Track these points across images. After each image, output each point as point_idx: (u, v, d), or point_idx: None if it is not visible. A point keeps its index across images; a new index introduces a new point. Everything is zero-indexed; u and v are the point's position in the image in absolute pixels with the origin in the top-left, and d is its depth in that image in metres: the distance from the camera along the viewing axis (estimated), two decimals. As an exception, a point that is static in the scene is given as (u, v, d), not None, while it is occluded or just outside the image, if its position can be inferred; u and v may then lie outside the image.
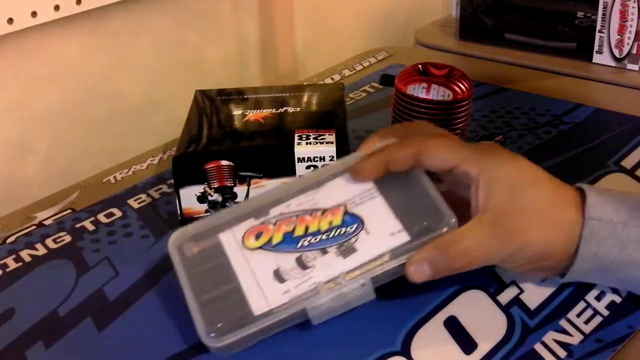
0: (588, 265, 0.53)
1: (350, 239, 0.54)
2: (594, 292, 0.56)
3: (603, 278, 0.55)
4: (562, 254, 0.53)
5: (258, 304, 0.51)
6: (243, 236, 0.55)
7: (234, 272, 0.53)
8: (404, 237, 0.53)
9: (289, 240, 0.54)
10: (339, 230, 0.54)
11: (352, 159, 0.57)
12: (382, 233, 0.54)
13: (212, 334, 0.50)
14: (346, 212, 0.55)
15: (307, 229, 0.54)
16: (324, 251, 0.53)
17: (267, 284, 0.52)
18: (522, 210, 0.52)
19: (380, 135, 0.57)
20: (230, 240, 0.55)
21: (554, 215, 0.52)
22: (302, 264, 0.53)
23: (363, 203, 0.55)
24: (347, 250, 0.53)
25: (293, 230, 0.54)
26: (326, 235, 0.54)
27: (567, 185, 0.54)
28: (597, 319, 0.54)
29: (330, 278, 0.52)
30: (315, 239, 0.54)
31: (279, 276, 0.53)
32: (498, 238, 0.52)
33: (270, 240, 0.54)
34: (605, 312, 0.55)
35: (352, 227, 0.54)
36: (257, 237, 0.55)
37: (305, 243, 0.54)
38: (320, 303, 0.51)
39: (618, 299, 0.56)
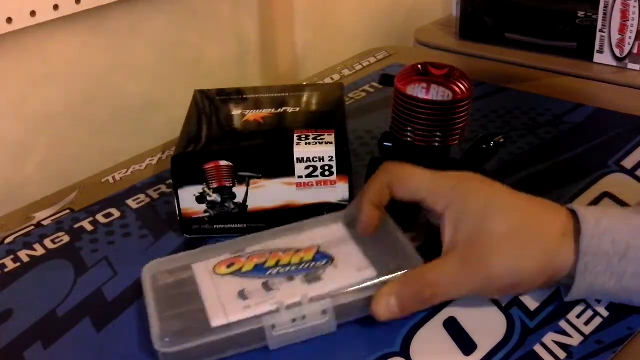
0: (585, 293, 0.53)
1: (318, 270, 0.56)
2: (594, 293, 0.56)
3: (602, 298, 0.55)
4: (541, 278, 0.52)
5: (217, 317, 0.52)
6: (215, 265, 0.57)
7: (200, 294, 0.55)
8: (371, 273, 0.55)
9: (259, 270, 0.56)
10: (308, 264, 0.56)
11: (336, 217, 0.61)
12: (350, 269, 0.56)
13: (166, 339, 0.50)
14: (318, 252, 0.57)
15: (278, 262, 0.57)
16: (290, 278, 0.55)
17: (229, 301, 0.53)
18: (489, 238, 0.51)
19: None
20: (202, 269, 0.57)
21: (524, 241, 0.51)
22: (267, 288, 0.54)
23: (336, 247, 0.58)
24: (312, 279, 0.55)
25: (264, 263, 0.57)
26: (295, 267, 0.56)
27: (557, 208, 0.53)
28: (597, 321, 0.54)
29: (292, 301, 0.53)
30: (285, 269, 0.56)
31: (242, 296, 0.54)
32: (466, 271, 0.52)
33: (240, 269, 0.56)
34: (605, 314, 0.54)
35: (321, 263, 0.57)
36: (229, 266, 0.57)
37: (274, 272, 0.56)
38: (279, 323, 0.52)
39: (618, 300, 0.56)
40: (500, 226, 0.51)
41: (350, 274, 0.55)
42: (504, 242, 0.51)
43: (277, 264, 0.56)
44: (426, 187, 0.54)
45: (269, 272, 0.56)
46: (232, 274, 0.56)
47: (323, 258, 0.57)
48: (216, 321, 0.52)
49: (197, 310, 0.53)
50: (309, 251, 0.58)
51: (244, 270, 0.56)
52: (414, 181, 0.55)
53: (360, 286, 0.54)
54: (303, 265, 0.56)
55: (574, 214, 0.52)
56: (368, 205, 0.55)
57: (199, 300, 0.54)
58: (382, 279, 0.54)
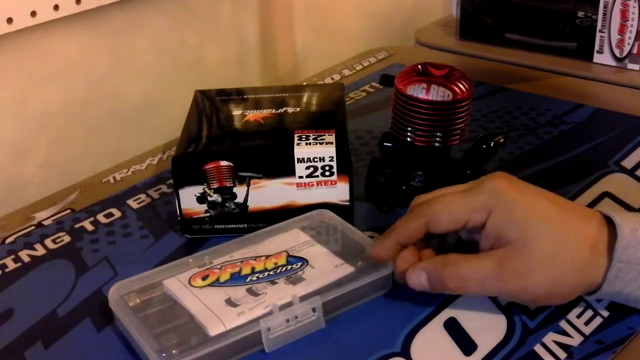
0: (608, 296, 0.53)
1: (297, 272, 0.57)
2: (595, 293, 0.56)
3: (625, 303, 0.55)
4: (575, 293, 0.53)
5: (214, 326, 0.52)
6: (189, 279, 0.57)
7: (184, 307, 0.54)
8: (348, 269, 0.57)
9: (237, 278, 0.56)
10: (285, 267, 0.57)
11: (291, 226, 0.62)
12: (327, 266, 0.57)
13: (164, 354, 0.49)
14: (289, 256, 0.58)
15: (253, 269, 0.57)
16: (272, 282, 0.56)
17: (221, 310, 0.53)
18: (529, 256, 0.51)
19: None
20: (175, 284, 0.56)
21: (563, 259, 0.51)
22: (253, 293, 0.55)
23: (304, 249, 0.60)
24: (295, 280, 0.56)
25: (240, 271, 0.57)
26: (273, 272, 0.57)
27: (590, 216, 0.53)
28: (597, 320, 0.54)
29: (283, 302, 0.53)
30: (263, 274, 0.56)
31: (231, 303, 0.54)
32: (499, 277, 0.52)
33: (218, 279, 0.56)
34: (606, 314, 0.55)
35: (297, 265, 0.57)
36: (204, 278, 0.57)
37: (254, 278, 0.56)
38: (275, 325, 0.52)
39: (618, 300, 0.56)
40: (540, 244, 0.51)
41: (329, 271, 0.57)
42: (543, 261, 0.51)
43: (253, 271, 0.57)
44: (465, 208, 0.54)
45: (248, 279, 0.56)
46: (210, 285, 0.56)
47: (297, 261, 0.58)
48: (214, 330, 0.52)
49: (187, 323, 0.53)
50: (280, 256, 0.58)
51: (221, 280, 0.56)
52: (450, 211, 0.54)
53: (342, 282, 0.55)
54: (279, 269, 0.57)
55: (607, 219, 0.52)
56: (396, 245, 0.56)
57: (185, 313, 0.54)
58: (360, 273, 0.56)
